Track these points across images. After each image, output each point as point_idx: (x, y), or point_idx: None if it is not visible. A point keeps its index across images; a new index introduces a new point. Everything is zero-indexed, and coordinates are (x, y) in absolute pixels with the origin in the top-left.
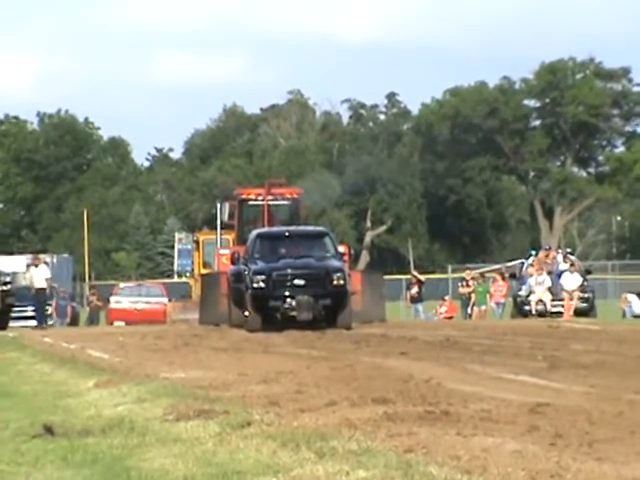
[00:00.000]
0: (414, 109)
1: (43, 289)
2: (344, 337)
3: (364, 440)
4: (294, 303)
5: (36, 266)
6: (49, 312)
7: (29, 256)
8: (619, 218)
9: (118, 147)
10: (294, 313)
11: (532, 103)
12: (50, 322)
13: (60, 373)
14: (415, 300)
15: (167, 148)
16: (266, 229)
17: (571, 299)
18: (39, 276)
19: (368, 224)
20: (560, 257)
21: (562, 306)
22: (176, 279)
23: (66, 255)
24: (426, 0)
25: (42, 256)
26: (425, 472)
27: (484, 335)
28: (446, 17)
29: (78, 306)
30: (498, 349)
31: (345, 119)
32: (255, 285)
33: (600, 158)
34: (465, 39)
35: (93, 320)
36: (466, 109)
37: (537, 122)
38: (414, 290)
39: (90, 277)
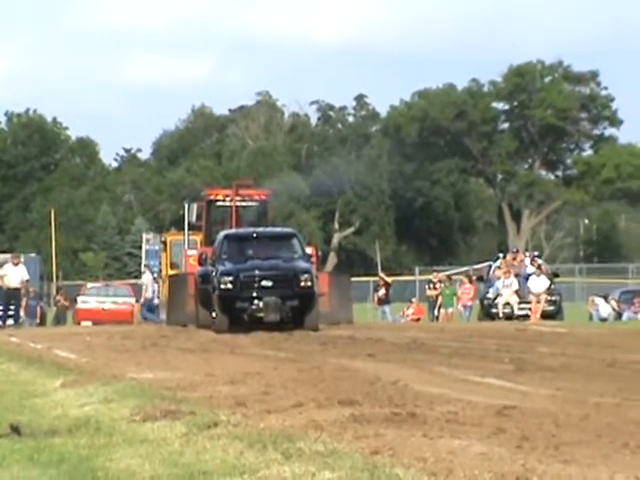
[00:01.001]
0: (382, 111)
1: (18, 289)
2: (311, 339)
3: (330, 442)
4: (261, 304)
5: (15, 264)
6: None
7: None
8: (587, 221)
9: (86, 147)
10: (261, 314)
11: (500, 106)
12: (19, 322)
13: (27, 373)
14: (382, 302)
15: (135, 148)
16: (234, 230)
17: (538, 302)
18: (15, 276)
19: (336, 226)
20: (527, 260)
21: (529, 309)
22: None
23: (33, 255)
24: (395, 2)
25: (8, 256)
26: (391, 474)
27: (451, 337)
28: (415, 20)
29: (45, 306)
30: (465, 351)
31: (313, 121)
32: (222, 286)
33: (568, 161)
34: (433, 42)
35: (60, 320)
36: (434, 111)
37: (505, 125)
38: (381, 292)
39: (57, 277)
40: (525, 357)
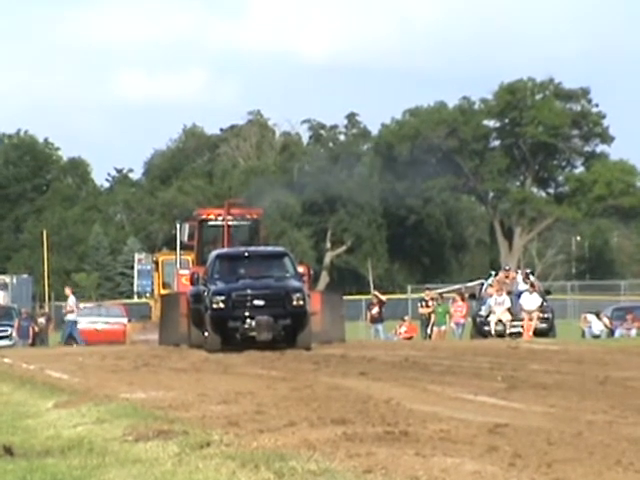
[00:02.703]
0: (374, 129)
1: None
2: (304, 357)
3: (323, 460)
4: (254, 323)
5: None
6: (9, 332)
7: None
8: (578, 238)
9: (78, 167)
10: (254, 333)
11: (491, 123)
12: (11, 342)
13: (19, 393)
14: (375, 320)
15: (127, 169)
16: (225, 250)
17: (530, 319)
18: None
19: (328, 244)
20: (520, 277)
21: (522, 326)
22: (136, 299)
23: (26, 275)
24: (386, 20)
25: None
26: None
27: (443, 355)
28: (406, 38)
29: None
30: (457, 369)
31: (305, 139)
32: (215, 306)
33: (559, 178)
34: (424, 59)
35: (44, 341)
36: (426, 129)
37: (497, 142)
38: (375, 310)
39: (50, 297)
40: (518, 375)
